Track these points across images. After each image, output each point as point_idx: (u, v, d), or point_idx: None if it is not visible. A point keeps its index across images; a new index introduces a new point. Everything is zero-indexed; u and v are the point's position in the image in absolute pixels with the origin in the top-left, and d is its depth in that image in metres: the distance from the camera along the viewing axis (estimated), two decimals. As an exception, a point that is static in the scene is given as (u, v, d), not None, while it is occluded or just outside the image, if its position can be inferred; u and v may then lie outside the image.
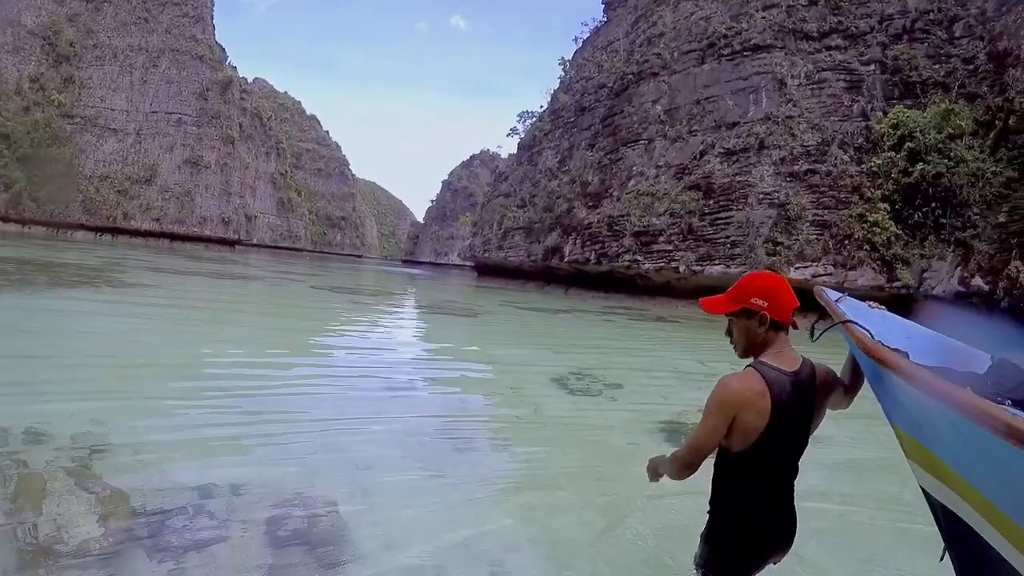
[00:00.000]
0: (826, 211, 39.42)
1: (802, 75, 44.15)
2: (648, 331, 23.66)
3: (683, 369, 14.29)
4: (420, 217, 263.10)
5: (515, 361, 13.56)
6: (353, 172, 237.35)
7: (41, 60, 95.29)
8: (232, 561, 3.56)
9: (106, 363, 9.02)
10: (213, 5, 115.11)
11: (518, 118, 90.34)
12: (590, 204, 54.49)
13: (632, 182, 50.18)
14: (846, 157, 40.35)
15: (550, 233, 58.82)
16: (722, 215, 42.27)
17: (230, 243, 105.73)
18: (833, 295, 2.77)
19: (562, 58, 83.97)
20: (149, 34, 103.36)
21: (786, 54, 45.47)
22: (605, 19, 75.13)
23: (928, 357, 2.25)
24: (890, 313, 2.78)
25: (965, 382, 1.93)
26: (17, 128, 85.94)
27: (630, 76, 55.45)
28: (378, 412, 7.20)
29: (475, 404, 8.37)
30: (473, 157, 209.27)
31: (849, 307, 2.63)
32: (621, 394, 9.87)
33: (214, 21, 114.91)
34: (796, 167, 41.26)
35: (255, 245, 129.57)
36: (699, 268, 41.55)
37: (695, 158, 46.18)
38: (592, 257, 49.88)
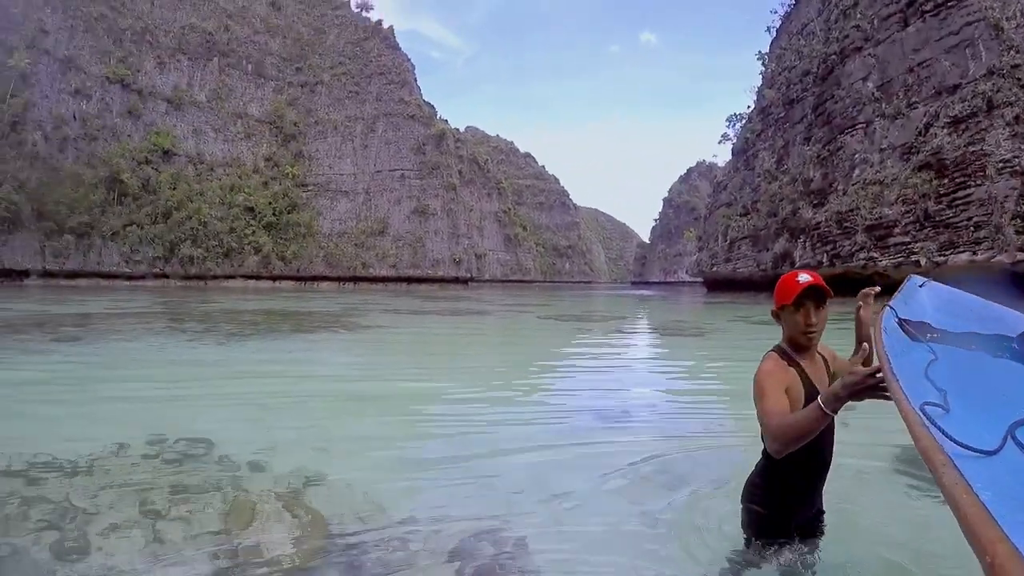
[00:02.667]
0: (1080, 171, 34.93)
1: (1019, 14, 39.65)
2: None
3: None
4: (645, 237, 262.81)
5: (740, 381, 13.14)
6: (574, 201, 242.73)
7: (271, 142, 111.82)
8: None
9: (333, 399, 10.26)
10: (414, 68, 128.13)
11: (727, 123, 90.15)
12: (815, 202, 53.17)
13: (856, 172, 48.25)
14: (1093, 101, 35.41)
15: (777, 239, 57.87)
16: (960, 194, 38.93)
17: (463, 281, 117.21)
18: (915, 283, 3.09)
19: (759, 52, 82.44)
20: (362, 104, 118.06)
21: (995, -8, 40.90)
22: (795, 1, 72.31)
23: (956, 323, 2.60)
24: (941, 285, 3.07)
25: (987, 345, 2.36)
26: (260, 200, 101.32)
27: (833, 56, 53.73)
28: (591, 446, 6.96)
29: (695, 429, 7.85)
30: (690, 170, 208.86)
31: (903, 301, 2.85)
32: (853, 414, 8.66)
33: (418, 83, 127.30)
34: (1035, 124, 37.05)
35: (487, 280, 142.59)
36: (942, 259, 38.28)
37: (919, 133, 43.01)
38: (824, 259, 48.41)
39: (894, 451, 6.33)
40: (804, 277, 2.87)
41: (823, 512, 3.40)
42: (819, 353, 3.07)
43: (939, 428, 1.61)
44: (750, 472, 3.28)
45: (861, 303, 3.02)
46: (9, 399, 9.55)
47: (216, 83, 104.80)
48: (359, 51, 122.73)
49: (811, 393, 2.81)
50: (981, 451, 1.51)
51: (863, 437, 6.70)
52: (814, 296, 2.86)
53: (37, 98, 75.44)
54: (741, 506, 3.28)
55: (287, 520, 4.68)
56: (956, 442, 1.54)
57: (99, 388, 10.60)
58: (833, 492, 4.56)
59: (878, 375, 2.10)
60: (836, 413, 2.33)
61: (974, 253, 36.40)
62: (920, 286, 3.03)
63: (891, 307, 2.68)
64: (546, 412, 8.98)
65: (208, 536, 4.34)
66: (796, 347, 2.97)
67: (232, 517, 4.72)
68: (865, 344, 2.39)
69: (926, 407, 1.75)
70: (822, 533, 3.40)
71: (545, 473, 5.91)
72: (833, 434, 3.07)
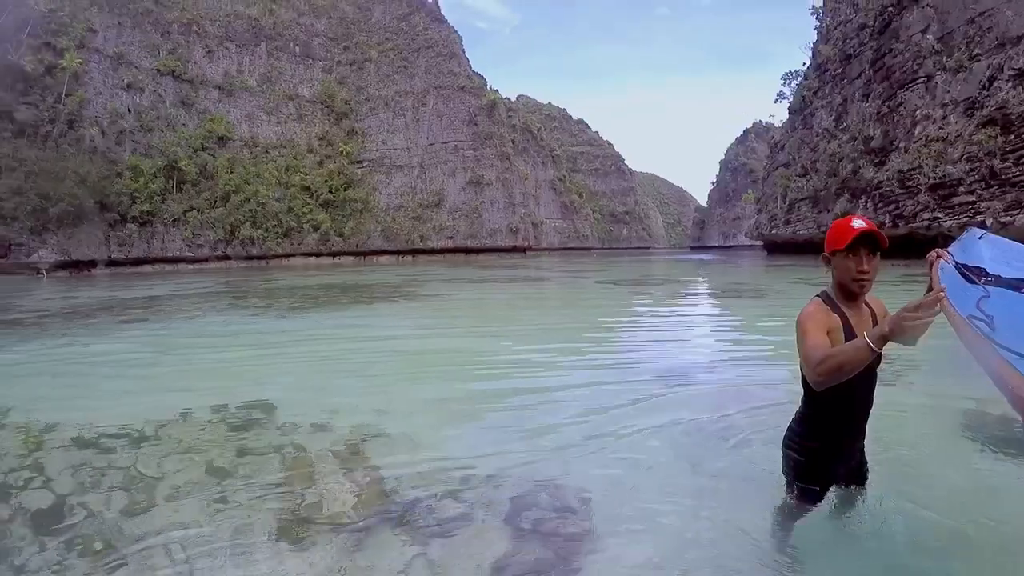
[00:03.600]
0: None
1: None
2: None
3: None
4: (703, 201, 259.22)
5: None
6: (629, 167, 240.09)
7: (323, 121, 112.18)
8: (471, 549, 3.78)
9: (393, 363, 10.53)
10: (462, 40, 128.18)
11: (783, 81, 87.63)
12: (876, 161, 51.90)
13: (918, 128, 46.86)
14: None
15: (837, 199, 56.86)
16: (1027, 151, 37.49)
17: (521, 250, 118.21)
18: (974, 235, 3.19)
19: (813, 6, 79.07)
20: (411, 79, 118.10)
21: (1059, -66, 39.08)
22: (847, -50, 69.14)
23: (1009, 269, 2.74)
24: (998, 237, 3.14)
25: None
26: (316, 180, 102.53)
27: (890, 8, 52.12)
28: (651, 406, 6.89)
29: (753, 388, 7.72)
30: (746, 131, 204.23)
31: (960, 249, 3.04)
32: (917, 375, 8.37)
33: (466, 55, 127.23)
34: (1104, 71, 35.33)
35: (544, 249, 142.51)
36: (1009, 219, 36.97)
37: (983, 87, 41.46)
38: (887, 220, 47.25)
39: (957, 415, 6.25)
40: (859, 223, 2.85)
41: (865, 461, 3.49)
42: (867, 305, 3.08)
43: (985, 335, 2.10)
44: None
45: (938, 253, 2.94)
46: (79, 375, 10.11)
47: (265, 67, 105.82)
48: (405, 26, 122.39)
49: (850, 340, 2.80)
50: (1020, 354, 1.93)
51: (926, 400, 6.83)
52: (868, 242, 2.85)
53: (91, 95, 77.16)
54: (781, 452, 3.40)
55: (346, 478, 4.91)
56: (999, 345, 2.01)
57: (165, 361, 11.14)
58: (890, 442, 4.92)
59: (927, 300, 2.19)
60: (880, 350, 2.35)
61: (1042, 211, 35.24)
62: (979, 238, 3.13)
63: (951, 251, 2.92)
64: (605, 373, 8.96)
65: (271, 496, 4.61)
66: (845, 294, 2.98)
67: (294, 476, 5.02)
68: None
69: (973, 320, 2.22)
70: (865, 479, 3.52)
71: (604, 432, 5.94)
72: (875, 381, 3.14)
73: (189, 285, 36.62)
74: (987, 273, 2.73)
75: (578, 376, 8.74)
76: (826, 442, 3.17)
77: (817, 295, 3.06)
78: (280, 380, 9.08)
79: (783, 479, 3.43)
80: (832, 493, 3.42)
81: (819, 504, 3.34)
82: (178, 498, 4.67)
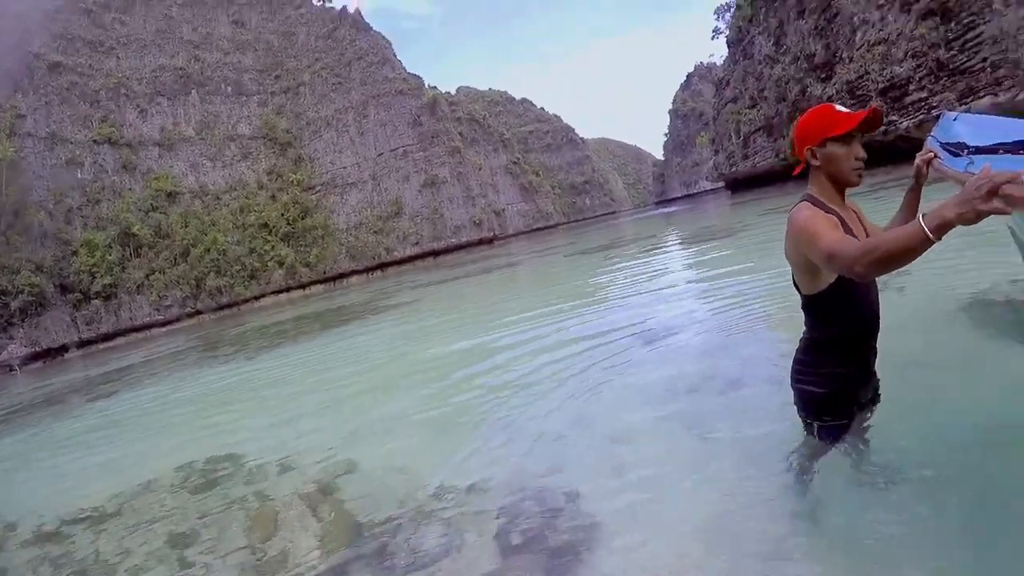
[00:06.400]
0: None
1: None
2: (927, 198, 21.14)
3: (982, 230, 12.09)
4: (659, 155, 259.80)
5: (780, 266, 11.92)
6: (581, 136, 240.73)
7: (269, 155, 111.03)
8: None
9: (364, 384, 10.11)
10: (391, 44, 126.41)
11: (716, 16, 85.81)
12: (822, 76, 51.66)
13: (858, 35, 46.25)
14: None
15: (791, 124, 55.42)
16: (970, 36, 36.67)
17: (488, 241, 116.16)
18: (949, 118, 3.28)
19: (732, -69, 77.20)
20: (348, 93, 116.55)
21: None
22: None
23: (985, 139, 2.97)
24: (970, 114, 3.26)
25: (1011, 147, 2.84)
26: (271, 215, 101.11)
27: (813, -82, 51.17)
28: (636, 372, 6.48)
29: (738, 327, 7.28)
30: (689, 76, 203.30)
31: (941, 131, 3.18)
32: (909, 279, 7.45)
33: (398, 58, 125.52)
34: (1037, -56, 35.35)
35: (512, 235, 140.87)
36: (963, 107, 36.10)
37: None
38: (843, 132, 45.90)
39: (960, 303, 5.80)
40: (842, 108, 2.55)
41: (878, 379, 3.04)
42: (849, 206, 2.78)
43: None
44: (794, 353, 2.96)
45: (922, 157, 2.77)
46: (43, 463, 9.86)
47: (200, 114, 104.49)
48: (332, 42, 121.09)
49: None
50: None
51: (923, 303, 6.29)
52: (871, 126, 2.54)
53: (32, 180, 76.29)
54: (792, 390, 2.96)
55: (311, 522, 4.63)
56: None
57: (132, 431, 10.90)
58: (901, 354, 4.09)
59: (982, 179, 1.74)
60: (940, 239, 1.84)
61: (995, 95, 34.58)
62: (954, 119, 3.28)
63: (932, 136, 3.09)
64: (585, 346, 8.33)
65: (235, 553, 4.35)
66: (837, 190, 2.66)
67: (255, 530, 4.75)
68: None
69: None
70: (879, 399, 3.09)
71: (590, 408, 5.62)
72: (878, 291, 2.82)
73: (161, 348, 36.58)
74: (967, 145, 3.00)
75: (556, 357, 8.10)
76: (849, 364, 2.78)
77: (803, 199, 2.64)
78: (249, 425, 8.83)
79: (796, 420, 3.02)
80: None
81: (845, 437, 2.90)
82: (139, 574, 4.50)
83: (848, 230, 2.55)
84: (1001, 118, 3.22)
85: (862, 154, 2.56)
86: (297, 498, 5.19)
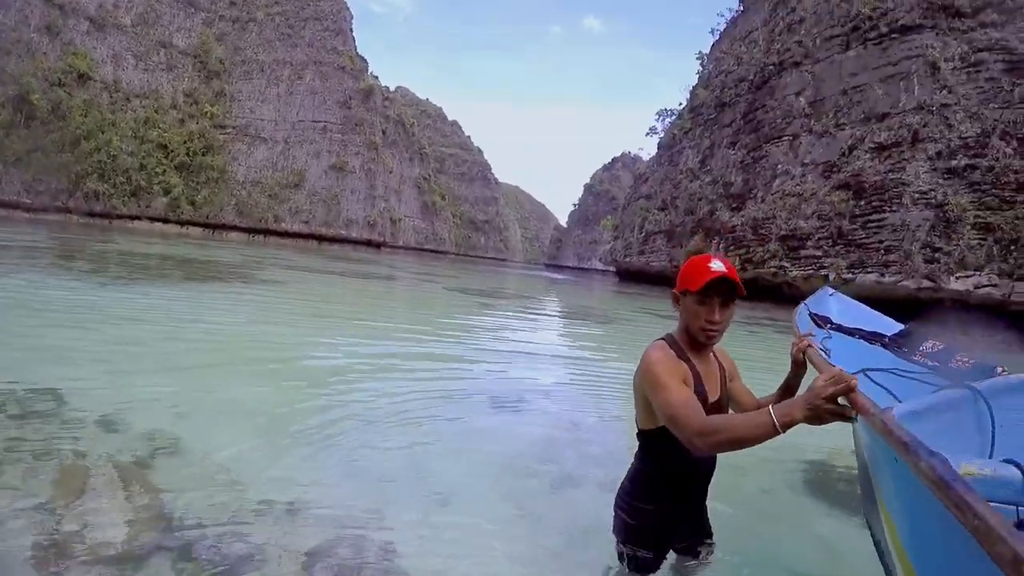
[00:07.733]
0: (989, 212, 35.88)
1: (956, 57, 41.01)
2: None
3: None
4: (563, 221, 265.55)
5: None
6: (496, 177, 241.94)
7: (193, 76, 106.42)
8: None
9: (211, 355, 9.37)
10: (352, 19, 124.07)
11: (657, 116, 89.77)
12: (733, 206, 54.17)
13: (777, 182, 49.33)
14: (1009, 150, 36.57)
15: (692, 237, 58.68)
16: (874, 217, 40.45)
17: (376, 245, 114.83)
18: (826, 292, 3.96)
19: (699, 52, 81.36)
20: (293, 48, 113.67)
21: (937, 34, 42.50)
22: (742, 8, 72.10)
23: (849, 321, 3.51)
24: (844, 296, 3.97)
25: (866, 336, 3.33)
26: (174, 138, 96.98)
27: (771, 67, 54.79)
28: (478, 432, 6.60)
29: (587, 419, 7.53)
30: (615, 160, 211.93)
31: (815, 301, 3.83)
32: None
33: (354, 34, 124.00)
34: (954, 162, 38.32)
35: (400, 247, 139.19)
36: (850, 276, 39.71)
37: (843, 154, 44.35)
38: (736, 262, 48.49)
39: (800, 471, 6.08)
40: (717, 264, 2.47)
41: (711, 534, 3.06)
42: (715, 356, 2.76)
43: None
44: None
45: (799, 347, 2.75)
46: None
47: (143, 7, 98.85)
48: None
49: (700, 395, 2.49)
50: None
51: (769, 453, 6.24)
52: (724, 290, 2.46)
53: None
54: (613, 512, 2.92)
55: (119, 497, 4.17)
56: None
57: None
58: (729, 501, 4.46)
59: (832, 378, 1.87)
60: (786, 432, 1.97)
61: (882, 275, 37.75)
62: (830, 295, 3.92)
63: (805, 304, 3.62)
64: (435, 392, 8.25)
65: (31, 510, 3.85)
66: (690, 342, 2.61)
67: (60, 486, 4.25)
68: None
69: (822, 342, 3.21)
70: (710, 533, 3.06)
71: (424, 460, 5.56)
72: None
73: (17, 236, 33.99)
74: (832, 321, 3.58)
75: (407, 393, 7.98)
76: (662, 505, 2.74)
77: (661, 339, 2.67)
78: (82, 360, 7.96)
79: (613, 538, 2.96)
80: (671, 556, 2.99)
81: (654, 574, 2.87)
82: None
83: (699, 385, 2.54)
84: (869, 309, 3.86)
85: (715, 316, 2.48)
86: (111, 465, 4.70)
